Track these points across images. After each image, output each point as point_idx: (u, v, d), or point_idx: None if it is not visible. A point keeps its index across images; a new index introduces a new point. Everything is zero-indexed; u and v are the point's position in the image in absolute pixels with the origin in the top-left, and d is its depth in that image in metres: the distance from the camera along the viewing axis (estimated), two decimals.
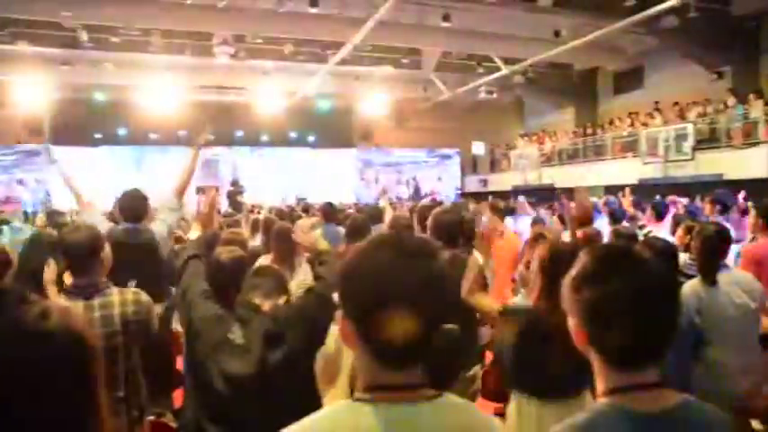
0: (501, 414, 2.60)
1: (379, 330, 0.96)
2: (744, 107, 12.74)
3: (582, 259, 1.18)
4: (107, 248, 2.54)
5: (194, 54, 15.59)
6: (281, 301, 2.11)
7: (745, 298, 2.94)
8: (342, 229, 5.50)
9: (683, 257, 3.57)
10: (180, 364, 3.06)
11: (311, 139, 21.64)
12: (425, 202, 7.64)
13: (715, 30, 13.30)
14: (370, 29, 12.63)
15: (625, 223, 5.51)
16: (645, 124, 15.36)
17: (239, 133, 20.19)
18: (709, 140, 13.38)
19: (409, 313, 0.95)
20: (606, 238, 4.26)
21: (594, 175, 16.14)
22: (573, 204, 3.12)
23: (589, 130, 17.85)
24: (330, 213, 6.24)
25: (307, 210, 8.65)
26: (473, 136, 22.82)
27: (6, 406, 0.81)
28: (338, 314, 1.02)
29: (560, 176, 17.83)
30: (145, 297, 2.54)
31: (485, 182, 21.99)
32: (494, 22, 13.82)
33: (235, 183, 15.76)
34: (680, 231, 4.09)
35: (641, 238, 4.15)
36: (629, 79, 18.00)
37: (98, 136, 19.32)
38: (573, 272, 1.18)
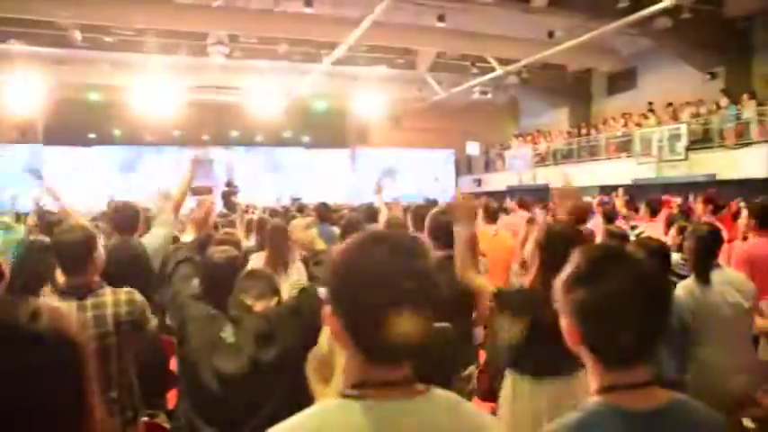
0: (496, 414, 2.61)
1: (368, 328, 0.96)
2: (736, 107, 12.80)
3: (574, 260, 1.19)
4: (100, 249, 2.54)
5: (189, 54, 15.55)
6: (273, 303, 2.11)
7: (739, 297, 2.96)
8: (336, 229, 5.51)
9: (676, 257, 3.59)
10: (174, 364, 3.05)
11: (306, 139, 21.62)
12: (419, 202, 7.65)
13: (708, 30, 13.37)
14: (365, 29, 12.64)
15: (618, 223, 5.53)
16: (638, 125, 15.43)
17: (234, 133, 20.15)
18: (702, 141, 13.44)
19: (399, 310, 0.95)
20: (599, 238, 4.28)
21: (589, 176, 16.19)
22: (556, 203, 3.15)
23: (583, 131, 17.90)
24: (325, 213, 6.25)
25: (301, 210, 8.64)
26: (467, 136, 22.84)
27: None
28: (326, 310, 1.01)
29: (555, 176, 17.87)
30: (138, 297, 2.53)
31: (479, 182, 22.02)
32: (488, 22, 13.85)
33: (229, 183, 15.71)
34: (673, 231, 4.11)
35: (633, 238, 4.17)
36: (622, 80, 18.08)
37: (92, 136, 19.24)
38: (565, 272, 1.19)
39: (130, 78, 15.75)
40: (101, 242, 2.56)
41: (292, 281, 3.58)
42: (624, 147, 15.71)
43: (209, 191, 9.15)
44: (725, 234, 3.49)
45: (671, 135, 13.69)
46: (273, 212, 7.68)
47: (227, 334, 2.00)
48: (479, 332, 3.68)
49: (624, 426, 1.07)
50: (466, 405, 1.07)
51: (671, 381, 2.31)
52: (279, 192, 19.71)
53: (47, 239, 3.21)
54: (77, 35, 13.81)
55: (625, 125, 16.18)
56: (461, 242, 2.57)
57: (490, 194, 15.76)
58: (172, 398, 3.18)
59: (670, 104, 14.76)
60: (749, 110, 12.52)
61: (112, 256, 3.24)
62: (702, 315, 2.91)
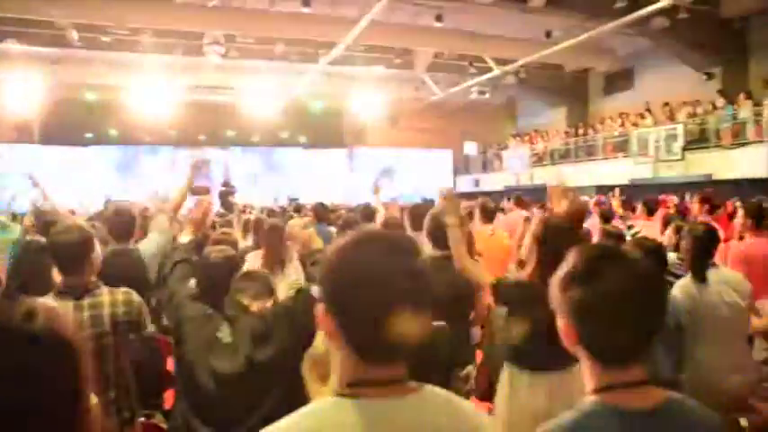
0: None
1: (362, 327, 0.97)
2: (733, 108, 12.84)
3: (571, 259, 1.19)
4: (97, 249, 2.53)
5: (185, 54, 15.52)
6: (269, 303, 2.11)
7: (736, 297, 2.98)
8: (333, 229, 5.51)
9: (672, 257, 3.60)
10: (170, 365, 3.05)
11: (303, 139, 21.59)
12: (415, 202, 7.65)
13: (705, 31, 13.40)
14: (363, 28, 12.63)
15: (615, 223, 5.55)
16: (635, 125, 15.46)
17: (230, 133, 20.12)
18: (698, 141, 13.47)
19: (393, 310, 0.95)
20: (596, 238, 4.29)
21: (586, 175, 16.22)
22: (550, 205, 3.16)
23: (581, 131, 17.93)
24: (322, 213, 6.25)
25: (299, 210, 8.64)
26: (465, 136, 22.88)
27: None
28: (320, 309, 1.01)
29: (552, 176, 17.88)
30: (136, 297, 2.53)
31: (477, 182, 22.04)
32: (486, 22, 13.86)
33: (226, 183, 15.68)
34: (669, 231, 4.12)
35: (629, 238, 4.18)
36: (619, 80, 18.11)
37: (88, 136, 19.17)
38: (561, 271, 1.19)
39: (127, 78, 15.73)
40: (97, 245, 2.56)
41: (290, 281, 3.58)
42: (621, 147, 15.74)
43: (206, 191, 9.14)
44: (721, 234, 3.50)
45: (668, 135, 13.73)
46: (271, 212, 7.67)
47: (224, 334, 2.00)
48: (476, 332, 3.68)
49: (621, 425, 1.07)
50: (460, 402, 1.07)
51: (667, 380, 2.32)
52: (276, 191, 19.73)
53: (43, 240, 3.20)
54: (74, 35, 13.78)
55: (622, 125, 16.21)
56: (454, 234, 2.58)
57: (488, 194, 15.79)
58: (168, 398, 3.17)
59: (667, 104, 14.79)
60: (745, 110, 12.56)
61: (109, 264, 3.24)
62: (699, 314, 2.93)
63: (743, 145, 12.27)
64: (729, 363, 2.92)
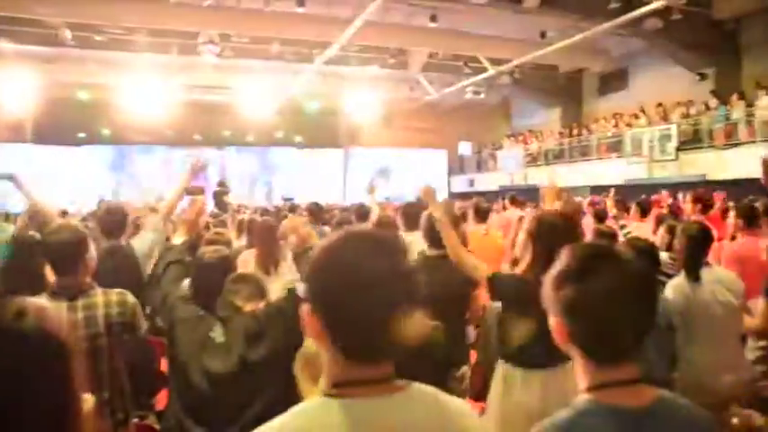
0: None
1: (348, 327, 0.96)
2: (726, 108, 12.90)
3: (563, 258, 1.19)
4: (92, 249, 2.51)
5: (180, 53, 15.47)
6: (261, 305, 2.12)
7: (729, 296, 2.99)
8: (328, 229, 5.51)
9: (664, 256, 3.61)
10: (164, 366, 3.03)
11: (298, 139, 21.56)
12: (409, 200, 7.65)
13: (698, 32, 13.47)
14: (357, 28, 12.63)
15: (608, 222, 5.56)
16: (629, 125, 15.52)
17: (226, 133, 20.08)
18: (692, 141, 13.53)
19: (379, 309, 0.95)
20: (589, 237, 4.30)
21: (580, 176, 16.27)
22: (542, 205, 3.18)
23: (575, 131, 17.98)
24: (317, 213, 6.24)
25: (293, 210, 8.63)
26: (460, 136, 22.91)
27: None
28: (305, 309, 1.00)
29: (546, 177, 17.94)
30: (130, 299, 2.51)
31: (472, 182, 22.07)
32: (481, 22, 13.88)
33: (221, 183, 15.66)
34: (662, 231, 4.14)
35: (622, 238, 4.19)
36: (613, 80, 18.18)
37: (81, 135, 19.09)
38: (554, 270, 1.19)
39: (121, 77, 15.66)
40: (92, 246, 2.54)
41: (285, 281, 3.56)
42: (615, 147, 15.79)
43: (200, 191, 9.13)
44: (714, 233, 3.52)
45: (661, 135, 13.78)
46: (264, 212, 7.66)
47: (217, 334, 2.00)
48: (471, 331, 3.69)
49: (614, 423, 1.07)
50: (448, 400, 1.07)
51: (659, 379, 2.33)
52: (271, 192, 19.70)
53: (37, 235, 3.17)
54: (67, 34, 13.71)
55: (616, 125, 16.27)
56: (444, 227, 2.58)
57: (482, 194, 15.83)
58: (161, 399, 3.16)
59: (660, 105, 14.86)
60: (738, 110, 12.62)
61: (102, 259, 3.23)
62: (692, 313, 2.94)
63: (736, 145, 12.34)
64: (722, 362, 2.93)
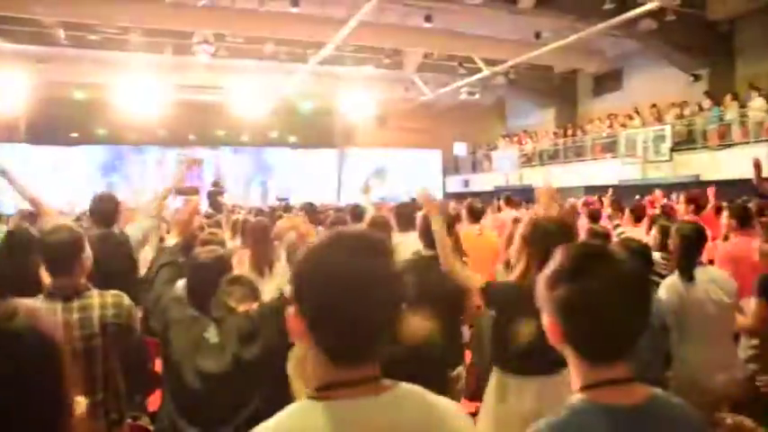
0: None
1: (331, 329, 0.96)
2: (720, 109, 12.96)
3: (557, 257, 1.19)
4: (88, 249, 2.49)
5: (174, 53, 15.43)
6: (255, 306, 2.11)
7: (722, 295, 3.00)
8: (323, 230, 5.50)
9: (656, 256, 3.63)
10: (158, 366, 3.02)
11: (293, 139, 21.54)
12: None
13: (692, 33, 13.54)
14: (352, 29, 12.63)
15: (602, 222, 5.58)
16: (624, 125, 15.57)
17: (220, 133, 20.04)
18: (686, 142, 13.59)
19: (363, 311, 0.95)
20: (582, 236, 4.31)
21: (575, 176, 16.32)
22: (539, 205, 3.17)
23: (569, 132, 18.03)
24: (310, 214, 6.23)
25: (288, 210, 8.62)
26: (455, 136, 22.92)
27: None
28: (290, 311, 1.00)
29: (541, 177, 17.98)
30: (126, 300, 2.49)
31: (466, 182, 22.10)
32: (476, 23, 13.91)
33: (216, 183, 15.63)
34: (654, 231, 4.15)
35: (616, 238, 4.21)
36: (608, 81, 18.24)
37: (75, 135, 19.01)
38: (548, 270, 1.19)
39: (115, 77, 15.61)
40: (87, 246, 2.53)
41: (279, 281, 3.56)
42: (609, 147, 15.84)
43: (195, 191, 9.11)
44: (708, 233, 3.54)
45: (656, 136, 13.83)
46: (259, 212, 7.64)
47: (211, 334, 2.00)
48: (466, 331, 3.69)
49: (607, 421, 1.08)
50: (435, 399, 1.06)
51: (652, 379, 2.34)
52: (263, 187, 19.67)
53: (29, 230, 3.15)
54: (61, 33, 13.65)
55: (610, 126, 16.32)
56: (441, 238, 2.58)
57: (477, 195, 15.88)
58: (155, 400, 3.15)
59: (654, 105, 14.91)
60: (732, 111, 12.68)
61: (96, 246, 3.23)
62: (686, 312, 2.95)
63: (729, 146, 12.40)
64: (716, 361, 2.95)
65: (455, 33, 14.51)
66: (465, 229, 5.11)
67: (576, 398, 1.14)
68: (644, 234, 4.88)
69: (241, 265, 3.67)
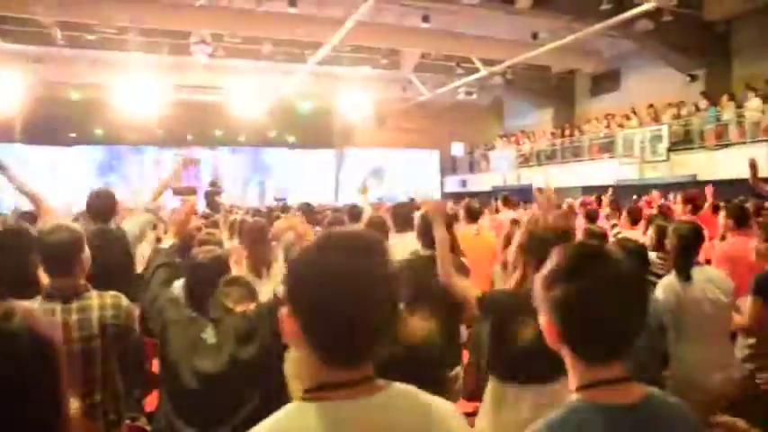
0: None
1: (324, 330, 0.95)
2: (716, 109, 12.99)
3: (554, 257, 1.20)
4: (87, 250, 2.48)
5: (172, 53, 15.41)
6: (252, 306, 2.11)
7: (719, 294, 3.01)
8: (320, 229, 5.50)
9: (653, 256, 3.63)
10: (155, 367, 3.02)
11: (291, 139, 21.53)
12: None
13: (689, 33, 13.57)
14: (350, 29, 12.62)
15: (600, 222, 5.59)
16: (621, 126, 15.60)
17: (218, 133, 20.02)
18: (683, 142, 13.63)
19: (355, 312, 0.94)
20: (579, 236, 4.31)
21: (572, 176, 16.35)
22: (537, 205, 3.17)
23: (567, 132, 18.05)
24: (308, 214, 6.23)
25: (286, 210, 8.61)
26: (452, 136, 22.93)
27: None
28: (283, 312, 0.99)
29: (539, 177, 18.01)
30: (125, 302, 2.49)
31: (464, 182, 22.11)
32: (473, 23, 13.92)
33: (213, 183, 15.61)
34: (651, 231, 4.16)
35: (613, 238, 4.21)
36: (605, 81, 18.28)
37: (72, 135, 18.97)
38: (545, 270, 1.19)
39: (112, 77, 15.56)
40: (86, 246, 2.52)
41: (276, 281, 3.55)
42: (607, 148, 15.88)
43: (192, 191, 9.09)
44: (706, 232, 3.55)
45: (653, 136, 13.87)
46: (257, 213, 7.64)
47: (209, 335, 2.00)
48: (463, 331, 3.69)
49: (604, 420, 1.08)
50: (429, 399, 1.06)
51: (649, 378, 2.34)
52: (261, 188, 19.66)
53: (32, 230, 3.13)
54: (57, 33, 13.62)
55: (608, 126, 16.35)
56: (443, 247, 2.57)
57: (475, 195, 15.89)
58: (152, 401, 3.15)
59: (651, 106, 14.95)
60: (728, 112, 12.72)
61: (92, 242, 3.22)
62: (683, 311, 2.96)
63: (726, 146, 12.43)
64: (713, 360, 2.95)
65: (452, 33, 14.52)
66: (462, 229, 5.12)
67: (574, 398, 1.14)
68: (641, 236, 4.89)
69: (238, 264, 3.66)
